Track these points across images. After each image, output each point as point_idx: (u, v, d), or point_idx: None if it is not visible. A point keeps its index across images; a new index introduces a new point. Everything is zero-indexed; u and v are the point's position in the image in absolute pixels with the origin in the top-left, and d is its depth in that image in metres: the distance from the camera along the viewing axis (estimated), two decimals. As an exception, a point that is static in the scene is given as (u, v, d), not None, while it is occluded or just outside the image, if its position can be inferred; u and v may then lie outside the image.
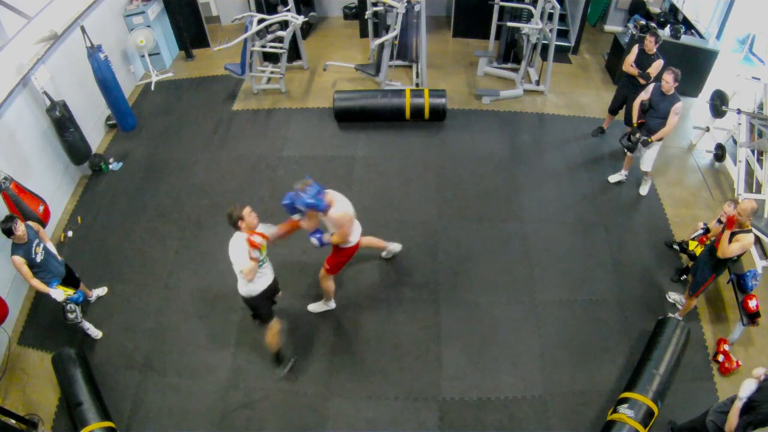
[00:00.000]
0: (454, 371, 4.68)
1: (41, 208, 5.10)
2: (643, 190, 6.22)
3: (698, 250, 5.02)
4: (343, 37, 9.33)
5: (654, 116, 5.48)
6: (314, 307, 5.11)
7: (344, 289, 5.29)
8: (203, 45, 8.95)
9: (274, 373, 4.67)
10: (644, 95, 5.54)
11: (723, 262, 4.41)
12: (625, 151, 5.87)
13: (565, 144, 6.99)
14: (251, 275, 3.90)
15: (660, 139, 5.56)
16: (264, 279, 4.17)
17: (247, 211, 3.88)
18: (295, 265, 5.44)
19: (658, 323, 4.71)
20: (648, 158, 5.78)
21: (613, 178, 6.38)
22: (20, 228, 4.17)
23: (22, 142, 5.61)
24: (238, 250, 3.86)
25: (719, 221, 4.83)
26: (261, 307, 4.30)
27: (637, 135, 5.64)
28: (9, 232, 4.14)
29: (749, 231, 4.20)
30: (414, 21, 7.23)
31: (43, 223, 5.00)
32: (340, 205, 4.19)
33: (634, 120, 5.65)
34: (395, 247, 5.43)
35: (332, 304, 5.08)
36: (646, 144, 5.59)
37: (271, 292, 4.32)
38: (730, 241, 4.22)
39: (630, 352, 4.77)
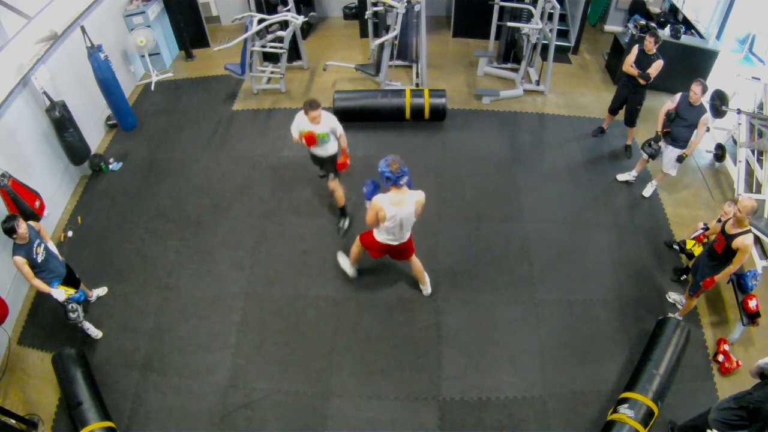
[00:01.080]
0: (454, 371, 4.68)
1: (37, 203, 5.11)
2: (647, 192, 6.22)
3: (696, 249, 5.02)
4: (343, 37, 9.34)
5: (681, 125, 5.51)
6: (341, 259, 5.31)
7: (344, 289, 5.30)
8: (203, 45, 8.96)
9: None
10: (670, 105, 5.56)
11: (723, 264, 4.41)
12: (647, 157, 5.88)
13: (565, 144, 7.00)
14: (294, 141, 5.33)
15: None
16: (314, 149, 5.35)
17: (315, 113, 4.94)
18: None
19: (658, 323, 4.71)
20: (670, 160, 5.78)
21: (621, 177, 6.39)
22: (22, 226, 4.17)
23: (22, 143, 5.61)
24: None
25: (719, 221, 4.83)
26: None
27: (660, 143, 5.70)
28: (11, 231, 4.13)
29: (748, 231, 4.20)
30: (414, 21, 7.23)
31: (38, 216, 5.00)
32: (381, 197, 4.34)
33: (659, 129, 5.68)
34: (426, 290, 5.19)
35: (352, 272, 5.25)
36: (681, 161, 5.68)
37: (315, 158, 5.53)
38: (730, 244, 4.21)
39: (630, 352, 4.77)
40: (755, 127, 6.14)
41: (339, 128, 5.23)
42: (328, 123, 5.14)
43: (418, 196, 4.38)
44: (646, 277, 5.42)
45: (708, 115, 5.47)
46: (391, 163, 4.16)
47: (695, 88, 5.26)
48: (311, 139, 5.15)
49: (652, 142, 5.74)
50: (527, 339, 4.91)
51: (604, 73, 8.37)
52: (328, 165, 5.51)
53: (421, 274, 5.06)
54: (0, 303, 4.50)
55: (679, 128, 5.54)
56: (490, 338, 4.91)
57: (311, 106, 4.93)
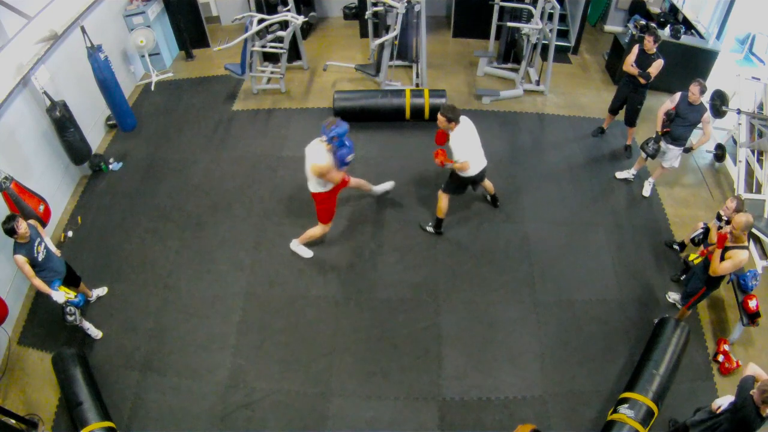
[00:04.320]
0: (454, 371, 4.68)
1: (41, 207, 5.09)
2: (646, 191, 6.23)
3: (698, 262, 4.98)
4: (343, 37, 9.34)
5: (681, 124, 5.54)
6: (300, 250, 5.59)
7: (344, 289, 5.31)
8: (203, 45, 8.95)
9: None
10: (669, 105, 5.60)
11: (716, 278, 4.39)
12: (645, 157, 5.90)
13: (565, 144, 7.00)
14: None
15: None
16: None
17: (441, 119, 4.94)
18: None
19: (658, 323, 4.71)
20: (674, 156, 5.82)
21: (620, 174, 6.41)
22: (22, 226, 4.17)
23: (22, 142, 5.61)
24: None
25: (718, 218, 4.82)
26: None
27: (660, 143, 5.72)
28: (12, 232, 4.13)
29: (744, 247, 4.16)
30: (414, 21, 7.23)
31: (44, 222, 4.99)
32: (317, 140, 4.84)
33: (659, 128, 5.69)
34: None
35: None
36: (689, 152, 5.91)
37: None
38: (722, 258, 4.19)
39: (630, 352, 4.78)
40: (755, 127, 6.15)
41: (455, 154, 5.05)
42: (453, 140, 5.03)
43: (314, 159, 4.72)
44: (646, 277, 5.42)
45: (709, 114, 5.53)
46: (331, 121, 4.62)
47: (693, 89, 5.30)
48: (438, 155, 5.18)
49: (652, 142, 5.75)
50: (527, 339, 4.91)
51: (604, 73, 8.37)
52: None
53: (304, 236, 5.45)
54: (0, 303, 4.50)
55: (679, 128, 5.56)
56: (490, 338, 4.92)
57: (445, 111, 4.91)
